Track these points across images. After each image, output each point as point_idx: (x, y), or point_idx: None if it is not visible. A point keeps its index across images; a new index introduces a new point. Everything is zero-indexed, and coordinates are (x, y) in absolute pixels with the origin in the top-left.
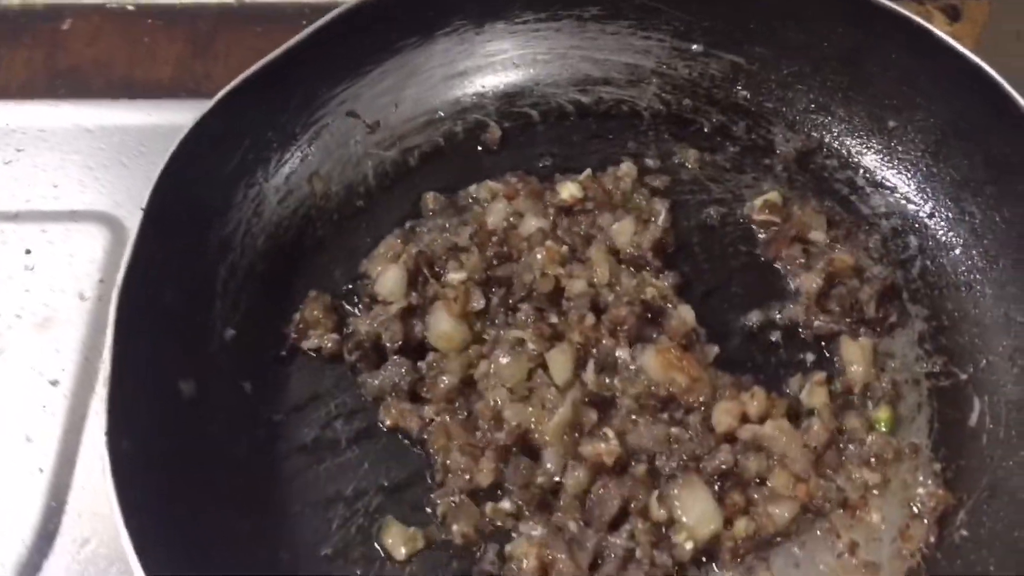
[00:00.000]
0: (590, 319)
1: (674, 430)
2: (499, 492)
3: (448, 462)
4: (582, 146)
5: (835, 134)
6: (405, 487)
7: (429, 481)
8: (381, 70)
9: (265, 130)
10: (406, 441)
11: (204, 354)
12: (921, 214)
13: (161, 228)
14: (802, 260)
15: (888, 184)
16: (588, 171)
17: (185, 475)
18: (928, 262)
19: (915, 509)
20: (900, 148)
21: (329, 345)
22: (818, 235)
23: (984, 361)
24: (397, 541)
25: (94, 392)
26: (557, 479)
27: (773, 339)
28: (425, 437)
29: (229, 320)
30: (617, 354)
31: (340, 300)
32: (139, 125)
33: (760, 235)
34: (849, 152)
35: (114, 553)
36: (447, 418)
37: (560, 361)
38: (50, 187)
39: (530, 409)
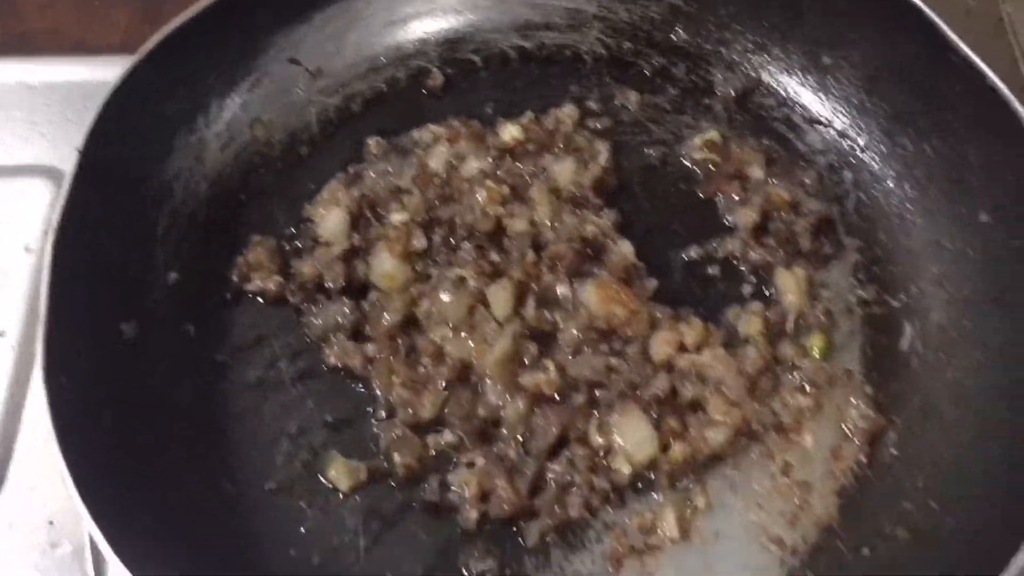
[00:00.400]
0: (531, 256)
1: (613, 360)
2: (442, 426)
3: (391, 398)
4: (525, 91)
5: (772, 72)
6: (349, 423)
7: (372, 417)
8: (323, 16)
9: (203, 76)
10: (349, 379)
11: (146, 298)
12: (855, 149)
13: (97, 174)
14: (740, 196)
15: (824, 120)
16: (530, 113)
17: (128, 416)
18: (862, 195)
19: (847, 431)
20: (835, 85)
21: (273, 288)
22: (756, 172)
23: (914, 288)
24: (341, 474)
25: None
26: (498, 411)
27: (711, 272)
28: (369, 374)
29: (171, 265)
30: (557, 289)
31: (284, 244)
32: (83, 81)
33: (699, 174)
34: (786, 90)
35: (62, 502)
36: (390, 355)
37: (500, 296)
38: None
39: (471, 344)
